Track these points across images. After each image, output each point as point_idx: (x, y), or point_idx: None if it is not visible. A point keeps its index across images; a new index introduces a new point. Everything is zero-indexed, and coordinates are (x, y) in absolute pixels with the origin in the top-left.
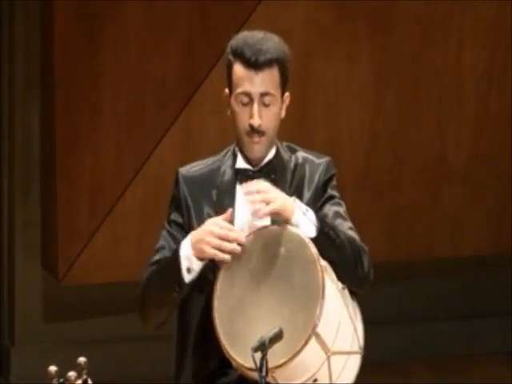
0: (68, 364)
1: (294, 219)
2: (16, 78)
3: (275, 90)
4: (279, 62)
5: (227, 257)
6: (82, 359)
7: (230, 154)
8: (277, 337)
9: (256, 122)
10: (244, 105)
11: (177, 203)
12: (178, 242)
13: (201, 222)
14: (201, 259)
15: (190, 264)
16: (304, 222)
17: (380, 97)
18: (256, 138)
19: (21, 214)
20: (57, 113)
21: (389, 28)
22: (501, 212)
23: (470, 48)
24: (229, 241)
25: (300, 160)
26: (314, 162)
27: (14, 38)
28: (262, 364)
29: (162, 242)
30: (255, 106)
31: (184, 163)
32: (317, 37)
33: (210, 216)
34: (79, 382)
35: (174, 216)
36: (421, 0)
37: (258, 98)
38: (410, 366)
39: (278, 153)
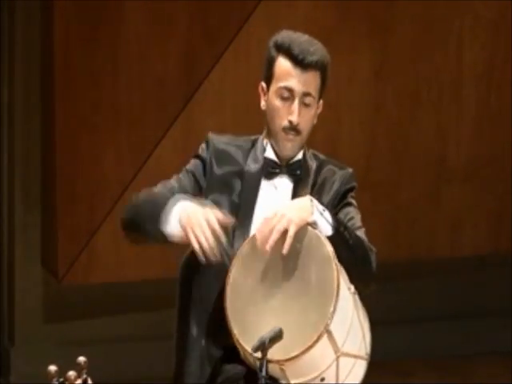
0: (68, 364)
1: (313, 218)
2: (16, 78)
3: (315, 93)
4: (323, 68)
5: (197, 246)
6: (81, 359)
7: (259, 144)
8: (277, 337)
9: (295, 119)
10: (284, 99)
11: (202, 165)
12: (185, 191)
13: (223, 197)
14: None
15: (169, 223)
16: (321, 222)
17: (380, 97)
18: (291, 136)
19: (21, 214)
20: (57, 113)
21: (389, 28)
22: (501, 212)
23: (470, 48)
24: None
25: (323, 168)
26: (336, 172)
27: (13, 38)
28: (262, 364)
29: (173, 181)
30: (296, 103)
31: (184, 163)
32: (317, 37)
33: (233, 205)
34: (79, 381)
35: (196, 169)
36: (421, 0)
37: (300, 96)
38: (410, 366)
39: (304, 156)
